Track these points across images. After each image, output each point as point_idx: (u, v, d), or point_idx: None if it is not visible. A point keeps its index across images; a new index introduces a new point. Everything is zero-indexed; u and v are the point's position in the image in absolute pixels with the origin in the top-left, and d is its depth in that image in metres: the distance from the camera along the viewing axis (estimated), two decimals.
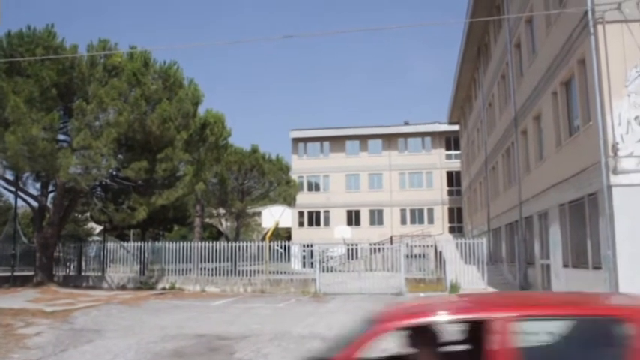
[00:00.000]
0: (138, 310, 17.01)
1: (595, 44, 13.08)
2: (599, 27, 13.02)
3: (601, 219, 12.95)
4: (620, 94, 12.70)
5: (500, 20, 24.79)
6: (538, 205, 19.26)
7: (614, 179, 12.46)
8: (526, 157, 21.49)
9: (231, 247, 25.53)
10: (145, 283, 25.53)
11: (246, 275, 25.04)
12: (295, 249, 43.79)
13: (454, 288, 21.01)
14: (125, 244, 28.88)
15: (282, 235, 44.38)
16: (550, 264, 17.86)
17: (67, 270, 28.12)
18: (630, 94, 12.70)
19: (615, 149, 12.52)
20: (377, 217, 53.27)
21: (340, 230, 42.46)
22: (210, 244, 26.12)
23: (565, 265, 16.24)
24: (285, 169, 42.31)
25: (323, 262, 26.32)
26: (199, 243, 26.84)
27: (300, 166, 54.09)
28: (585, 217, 14.33)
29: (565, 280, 16.22)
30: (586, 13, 13.36)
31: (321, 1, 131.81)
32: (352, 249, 32.03)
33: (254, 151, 39.86)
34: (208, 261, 25.53)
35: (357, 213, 53.50)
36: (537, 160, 19.67)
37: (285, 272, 27.81)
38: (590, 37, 13.23)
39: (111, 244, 28.48)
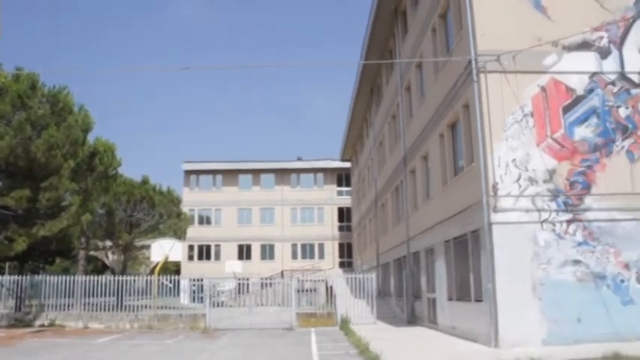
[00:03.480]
0: (11, 351, 15.77)
1: (478, 91, 14.04)
2: (482, 76, 14.00)
3: (482, 254, 13.72)
4: (499, 138, 13.67)
5: (393, 63, 25.96)
6: (425, 241, 20.07)
7: (494, 217, 13.30)
8: (414, 195, 22.41)
9: (118, 281, 24.52)
10: (20, 321, 23.79)
11: (133, 311, 24.14)
12: (185, 283, 42.77)
13: (344, 322, 21.32)
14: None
15: (172, 269, 43.28)
16: (436, 297, 18.59)
17: None
18: (508, 138, 13.70)
19: (495, 189, 13.40)
20: (268, 252, 53.30)
21: (231, 264, 42.09)
22: (95, 278, 24.89)
23: (450, 299, 16.97)
24: (177, 201, 41.47)
25: (213, 296, 25.88)
26: (83, 277, 25.53)
27: (192, 199, 53.30)
28: (468, 253, 15.12)
29: (450, 313, 16.95)
30: (470, 62, 14.34)
31: (221, 35, 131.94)
32: (243, 283, 31.78)
33: (145, 182, 38.76)
34: (93, 296, 24.32)
35: (249, 247, 53.28)
36: (425, 198, 20.57)
37: (174, 307, 27.10)
38: (473, 85, 14.19)
39: None
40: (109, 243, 41.40)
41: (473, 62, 14.21)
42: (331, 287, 27.17)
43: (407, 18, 23.24)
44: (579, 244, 13.36)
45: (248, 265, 48.95)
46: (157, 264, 27.84)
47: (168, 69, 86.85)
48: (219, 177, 55.28)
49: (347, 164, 50.57)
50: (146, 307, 25.21)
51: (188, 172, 55.01)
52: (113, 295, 24.39)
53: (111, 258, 48.55)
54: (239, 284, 32.67)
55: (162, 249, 27.02)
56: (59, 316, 23.74)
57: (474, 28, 14.37)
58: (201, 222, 54.31)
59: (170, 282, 27.75)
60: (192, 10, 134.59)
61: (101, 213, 35.53)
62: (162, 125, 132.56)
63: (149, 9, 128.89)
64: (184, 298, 41.99)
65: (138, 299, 25.27)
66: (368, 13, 26.72)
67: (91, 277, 25.22)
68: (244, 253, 52.99)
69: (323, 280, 31.72)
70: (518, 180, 13.52)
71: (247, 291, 34.11)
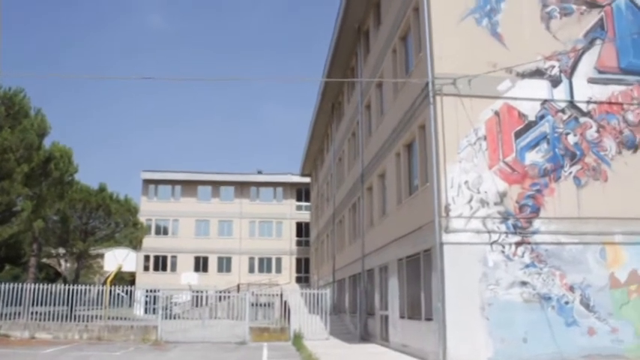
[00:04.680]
0: None
1: (434, 113, 14.34)
2: (438, 98, 14.31)
3: (433, 273, 13.95)
4: (453, 159, 13.97)
5: (354, 81, 26.28)
6: (379, 258, 20.28)
7: (445, 237, 13.55)
8: (370, 213, 22.64)
9: (69, 290, 23.95)
10: None
11: (83, 321, 23.66)
12: (139, 294, 42.18)
13: (297, 337, 21.34)
14: None
15: (127, 279, 42.68)
16: (388, 315, 18.77)
17: None
18: (462, 160, 14.01)
19: (447, 210, 13.68)
20: (225, 265, 52.98)
21: (187, 276, 41.61)
22: (45, 286, 24.19)
23: (402, 317, 17.16)
24: (134, 210, 40.99)
25: (167, 308, 25.62)
26: (32, 285, 24.86)
27: (150, 209, 52.71)
28: (420, 272, 15.34)
29: (401, 331, 17.14)
30: (427, 84, 14.65)
31: (185, 46, 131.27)
32: (198, 296, 31.49)
33: (102, 189, 38.24)
34: (42, 305, 23.74)
35: (205, 259, 52.87)
36: (380, 216, 20.81)
37: (126, 318, 26.69)
38: (429, 107, 14.49)
39: None
40: (62, 250, 40.65)
41: (430, 85, 14.52)
42: (286, 302, 27.15)
43: (369, 38, 23.60)
44: (527, 265, 13.70)
45: (204, 277, 48.50)
46: (111, 274, 27.43)
47: (127, 78, 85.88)
48: (178, 187, 54.82)
49: (307, 179, 50.71)
50: (97, 317, 24.75)
51: (147, 182, 54.41)
52: (64, 304, 23.86)
53: (64, 266, 47.55)
54: (194, 297, 32.37)
55: (117, 259, 26.64)
56: (4, 325, 22.96)
57: (432, 52, 14.71)
58: (158, 232, 53.68)
59: (124, 292, 27.32)
60: (158, 18, 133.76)
61: (55, 220, 34.92)
62: (122, 133, 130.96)
63: (114, 15, 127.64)
64: (138, 309, 41.43)
65: (90, 309, 24.83)
66: (332, 30, 27.06)
67: (41, 285, 24.58)
68: (201, 265, 52.53)
69: (278, 295, 31.67)
70: (469, 201, 13.83)
71: (202, 304, 33.80)
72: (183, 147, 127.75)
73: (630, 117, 15.04)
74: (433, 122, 14.32)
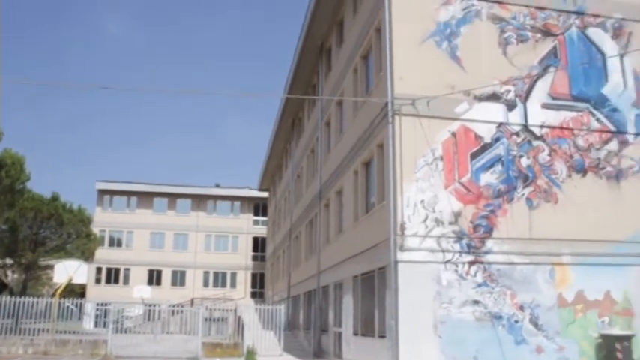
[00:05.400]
0: None
1: (392, 133, 14.53)
2: (397, 118, 14.52)
3: (388, 291, 14.07)
4: (410, 179, 14.18)
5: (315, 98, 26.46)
6: (335, 275, 20.33)
7: (400, 255, 13.70)
8: (327, 229, 22.71)
9: (14, 302, 23.23)
10: None
11: (29, 334, 22.99)
12: (89, 307, 41.25)
13: (250, 353, 21.17)
14: None
15: (78, 291, 41.70)
16: (342, 331, 18.80)
17: None
18: (418, 180, 14.22)
19: (403, 228, 13.85)
20: (179, 278, 52.30)
21: (140, 289, 40.99)
22: None
23: (355, 333, 17.21)
24: (87, 221, 40.21)
25: (118, 322, 25.13)
26: None
27: (104, 220, 51.83)
28: (375, 289, 15.45)
29: (355, 348, 17.18)
30: (387, 104, 14.86)
31: (144, 54, 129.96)
32: (151, 310, 30.93)
33: (54, 199, 37.39)
34: None
35: (159, 272, 52.11)
36: (337, 233, 20.89)
37: (75, 332, 26.04)
38: (388, 126, 14.68)
39: None
40: (9, 261, 39.46)
41: (389, 104, 14.72)
42: (240, 317, 26.94)
43: (332, 55, 23.84)
44: (479, 285, 13.95)
45: (158, 290, 47.80)
46: (60, 286, 26.78)
47: (85, 87, 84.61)
48: (134, 199, 54.01)
49: (265, 194, 50.60)
50: (44, 330, 24.08)
51: (102, 192, 53.47)
52: (9, 317, 23.15)
53: (11, 277, 46.13)
54: (146, 310, 31.79)
55: (67, 270, 26.09)
56: None
57: (392, 72, 14.94)
58: (111, 244, 52.73)
59: (74, 305, 26.68)
60: (116, 26, 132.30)
61: (4, 228, 33.99)
62: (78, 143, 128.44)
63: (70, 22, 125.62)
64: (88, 323, 40.47)
65: (37, 322, 24.10)
66: (295, 46, 27.22)
67: None
68: (155, 278, 51.74)
69: (233, 310, 31.38)
70: (425, 221, 14.03)
71: (155, 318, 33.20)
72: (141, 159, 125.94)
73: (580, 142, 15.57)
74: (391, 141, 14.51)
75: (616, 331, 14.21)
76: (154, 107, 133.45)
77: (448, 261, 13.90)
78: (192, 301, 41.33)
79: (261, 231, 53.28)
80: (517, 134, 15.15)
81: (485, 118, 15.05)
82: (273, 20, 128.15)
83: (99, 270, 50.72)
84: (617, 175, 15.62)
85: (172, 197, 54.18)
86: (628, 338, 13.90)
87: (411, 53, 15.12)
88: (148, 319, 33.42)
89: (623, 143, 15.92)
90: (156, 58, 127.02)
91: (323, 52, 25.40)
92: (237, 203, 55.12)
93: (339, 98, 21.14)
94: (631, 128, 16.13)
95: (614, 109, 16.11)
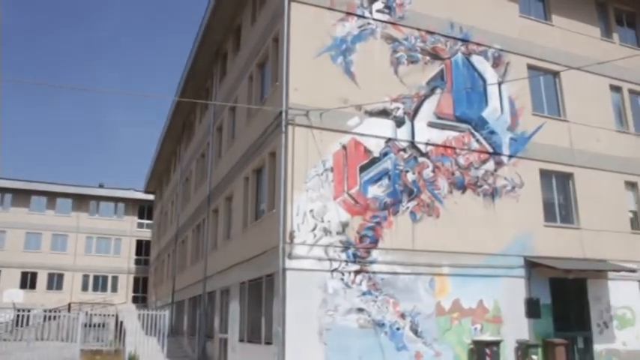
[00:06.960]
0: None
1: (285, 142, 14.75)
2: (290, 128, 14.76)
3: (275, 298, 14.22)
4: (300, 188, 14.45)
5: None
6: (221, 281, 20.23)
7: (288, 263, 13.91)
8: (215, 235, 22.56)
9: None
10: None
11: None
12: None
13: None
14: None
15: None
16: (228, 338, 18.74)
17: None
18: (309, 189, 14.53)
19: (292, 236, 14.08)
20: (56, 282, 49.76)
21: (10, 293, 38.66)
22: None
23: (241, 340, 17.21)
24: None
25: None
26: None
27: None
28: (262, 296, 15.56)
29: (240, 354, 17.17)
30: (281, 113, 15.07)
31: (27, 48, 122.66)
32: (23, 315, 29.26)
33: None
34: None
35: (34, 275, 49.28)
36: (225, 239, 20.81)
37: None
38: (281, 135, 14.88)
39: None
40: None
41: (283, 114, 14.93)
42: (122, 323, 26.13)
43: (227, 61, 23.77)
44: (364, 293, 14.44)
45: (32, 294, 45.34)
46: None
47: None
48: (8, 196, 50.78)
49: (151, 196, 49.37)
50: None
51: None
52: None
53: None
54: (18, 316, 30.02)
55: None
56: None
57: (287, 82, 15.16)
58: None
59: None
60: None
61: None
62: None
63: None
64: None
65: None
66: (190, 49, 26.88)
67: None
68: (28, 281, 48.87)
69: (114, 315, 30.35)
70: (313, 230, 14.34)
71: (28, 323, 31.42)
72: (18, 154, 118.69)
73: (461, 161, 16.58)
74: (284, 150, 14.72)
75: (487, 337, 15.29)
76: (31, 99, 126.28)
77: (335, 270, 14.28)
78: (69, 306, 39.54)
79: (146, 234, 51.89)
80: (404, 150, 15.87)
81: (375, 133, 15.64)
82: (172, 19, 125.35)
83: None
84: (493, 193, 16.80)
85: (52, 196, 51.51)
86: (497, 344, 15.03)
87: (307, 65, 15.43)
88: (20, 325, 31.62)
89: (499, 164, 17.17)
90: (38, 50, 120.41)
91: (219, 57, 25.26)
92: (121, 205, 53.35)
93: (233, 105, 21.12)
94: (506, 150, 17.46)
95: (492, 132, 17.34)
